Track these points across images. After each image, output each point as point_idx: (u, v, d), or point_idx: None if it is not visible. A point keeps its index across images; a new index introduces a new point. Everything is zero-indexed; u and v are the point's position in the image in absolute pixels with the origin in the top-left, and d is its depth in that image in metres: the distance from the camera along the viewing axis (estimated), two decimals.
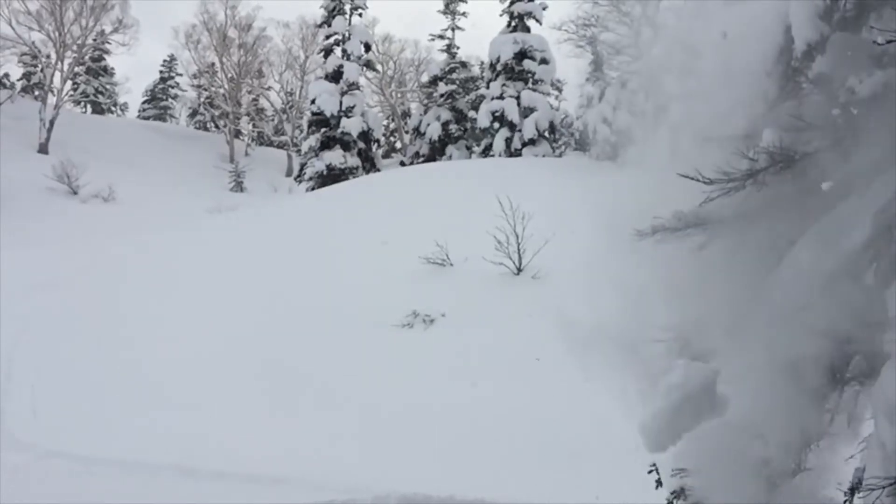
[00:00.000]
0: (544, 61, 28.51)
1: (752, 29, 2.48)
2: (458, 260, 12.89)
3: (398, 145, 48.62)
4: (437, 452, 7.83)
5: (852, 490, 2.47)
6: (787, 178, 2.35)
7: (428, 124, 34.70)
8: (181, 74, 54.29)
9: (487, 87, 29.32)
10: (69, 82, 41.76)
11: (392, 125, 49.94)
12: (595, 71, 25.68)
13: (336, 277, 13.15)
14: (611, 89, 21.70)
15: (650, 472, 3.21)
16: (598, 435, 7.61)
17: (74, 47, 39.25)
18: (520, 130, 27.39)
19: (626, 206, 2.75)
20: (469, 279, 12.44)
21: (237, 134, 49.69)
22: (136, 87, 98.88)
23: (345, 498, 6.89)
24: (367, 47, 33.07)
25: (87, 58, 45.41)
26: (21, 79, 47.37)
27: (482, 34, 50.35)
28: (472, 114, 33.21)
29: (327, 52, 32.64)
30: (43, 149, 34.46)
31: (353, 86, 31.31)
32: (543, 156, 26.41)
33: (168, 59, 54.50)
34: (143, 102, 56.14)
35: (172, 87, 56.13)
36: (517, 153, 26.98)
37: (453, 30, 37.44)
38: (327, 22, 32.42)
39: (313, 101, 31.26)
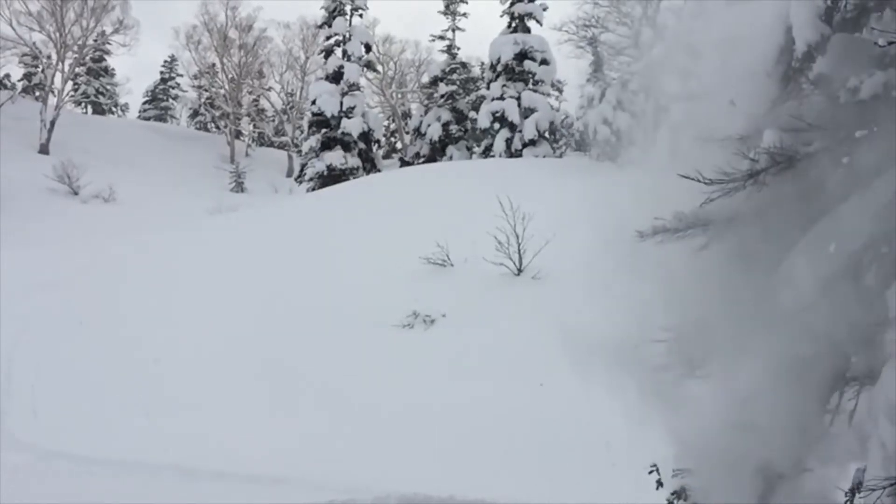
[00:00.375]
0: (545, 62, 28.51)
1: (753, 30, 2.48)
2: (459, 260, 12.90)
3: (399, 146, 48.61)
4: (437, 452, 7.83)
5: (853, 490, 2.47)
6: (788, 178, 2.35)
7: (428, 125, 34.70)
8: (182, 75, 54.36)
9: (488, 88, 29.32)
10: (70, 83, 41.80)
11: (392, 126, 49.95)
12: (595, 71, 25.68)
13: (336, 278, 13.15)
14: (611, 90, 21.69)
15: (651, 472, 3.22)
16: (598, 435, 7.61)
17: (75, 48, 39.27)
18: (520, 131, 27.39)
19: (627, 207, 2.75)
20: (469, 280, 12.44)
21: (238, 134, 49.70)
22: (136, 87, 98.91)
23: (345, 498, 6.89)
24: (368, 48, 33.08)
25: (87, 58, 45.47)
26: (22, 79, 47.43)
27: (483, 35, 50.36)
28: (472, 114, 33.22)
29: (328, 52, 32.66)
30: (44, 149, 34.47)
31: (354, 86, 31.32)
32: (544, 156, 26.40)
33: (169, 59, 54.53)
34: (144, 103, 56.16)
35: (173, 88, 56.14)
36: (517, 154, 26.98)
37: (454, 30, 37.46)
38: (328, 23, 32.43)
39: (314, 102, 31.27)
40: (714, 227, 2.46)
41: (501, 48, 28.49)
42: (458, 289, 12.15)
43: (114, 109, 53.58)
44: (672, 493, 2.84)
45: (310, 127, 31.63)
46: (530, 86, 28.29)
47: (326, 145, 30.70)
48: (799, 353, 2.31)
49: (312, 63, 48.09)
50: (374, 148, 33.33)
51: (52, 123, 35.11)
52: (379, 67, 42.92)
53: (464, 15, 37.36)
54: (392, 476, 7.30)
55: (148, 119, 53.76)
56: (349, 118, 30.52)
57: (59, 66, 38.64)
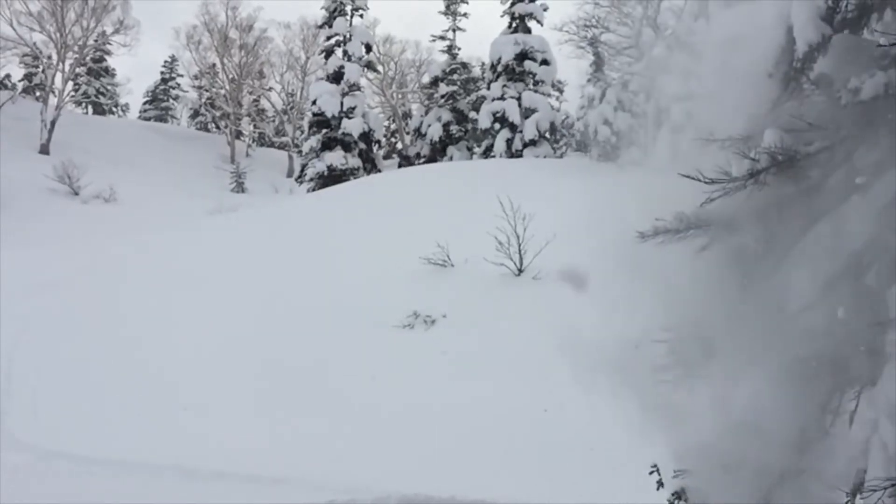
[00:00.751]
0: (545, 62, 28.52)
1: (754, 30, 2.48)
2: (459, 261, 12.89)
3: (399, 146, 48.63)
4: (437, 453, 7.83)
5: (854, 492, 2.47)
6: (789, 178, 2.35)
7: (429, 125, 34.72)
8: (182, 75, 54.41)
9: (488, 88, 29.33)
10: (70, 83, 41.80)
11: (393, 126, 49.96)
12: (596, 72, 25.68)
13: (337, 278, 13.15)
14: (612, 90, 21.70)
15: (651, 472, 3.21)
16: (598, 435, 7.60)
17: (76, 48, 39.29)
18: (521, 131, 27.40)
19: (628, 208, 2.75)
20: (470, 280, 12.44)
21: (238, 135, 49.72)
22: (137, 87, 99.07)
23: (345, 498, 6.89)
24: (368, 48, 33.09)
25: (88, 59, 45.49)
26: (22, 79, 47.48)
27: (483, 35, 50.40)
28: (472, 115, 33.24)
29: (328, 53, 32.67)
30: (44, 149, 34.49)
31: (354, 87, 31.33)
32: (544, 157, 26.41)
33: (169, 59, 54.58)
34: (144, 103, 56.20)
35: (173, 88, 56.18)
36: (518, 154, 26.99)
37: (454, 31, 37.49)
38: (328, 23, 32.44)
39: (314, 102, 31.28)
40: (715, 228, 2.46)
41: (502, 48, 28.50)
42: (458, 289, 12.15)
43: (114, 110, 53.63)
44: (672, 494, 2.84)
45: (310, 127, 31.64)
46: (531, 86, 28.30)
47: (327, 145, 30.71)
48: (799, 353, 2.31)
49: (313, 63, 48.16)
50: (375, 148, 33.34)
51: (53, 124, 35.12)
52: (379, 68, 42.96)
53: (464, 15, 37.42)
54: (392, 476, 7.30)
55: (148, 119, 53.80)
56: (350, 118, 30.53)
57: (60, 67, 38.69)
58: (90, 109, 50.87)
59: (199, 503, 6.86)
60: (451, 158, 32.82)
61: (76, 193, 29.48)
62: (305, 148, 31.78)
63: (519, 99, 27.76)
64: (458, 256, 12.89)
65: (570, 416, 8.15)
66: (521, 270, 12.36)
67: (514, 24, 29.28)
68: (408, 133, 40.98)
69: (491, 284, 12.21)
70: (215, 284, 13.69)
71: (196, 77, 51.94)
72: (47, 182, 29.02)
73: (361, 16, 33.15)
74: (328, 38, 32.71)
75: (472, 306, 11.57)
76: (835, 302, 2.28)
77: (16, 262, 15.94)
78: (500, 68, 28.55)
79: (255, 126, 54.65)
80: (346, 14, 32.25)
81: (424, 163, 32.39)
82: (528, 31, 29.25)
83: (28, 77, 47.01)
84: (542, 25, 29.53)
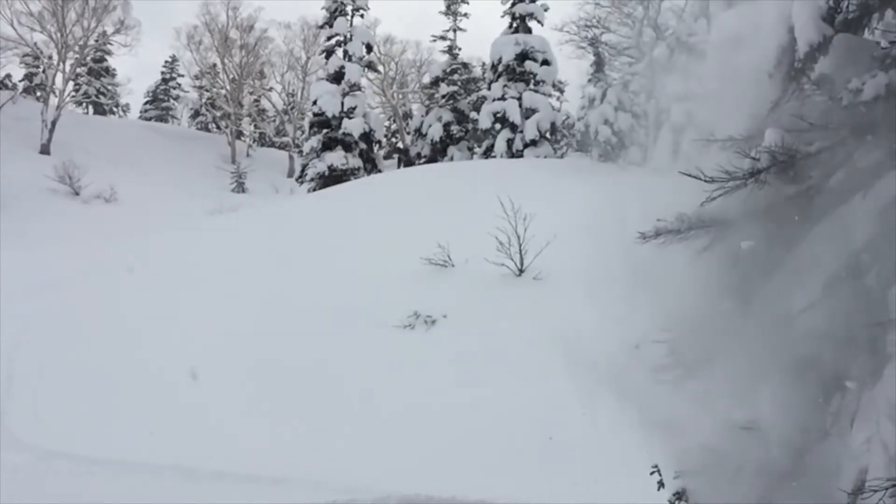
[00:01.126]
0: (546, 62, 28.51)
1: (755, 30, 2.48)
2: (460, 261, 12.89)
3: (400, 146, 48.62)
4: (438, 453, 7.83)
5: (855, 492, 2.46)
6: (789, 177, 2.35)
7: (429, 125, 34.72)
8: (183, 75, 54.45)
9: (489, 89, 29.32)
10: (71, 83, 41.78)
11: (393, 126, 49.97)
12: (597, 72, 25.70)
13: (337, 278, 13.14)
14: (612, 90, 21.68)
15: (652, 473, 3.21)
16: (598, 436, 7.60)
17: (76, 48, 39.28)
18: (521, 131, 27.39)
19: (629, 208, 2.75)
20: (471, 280, 12.43)
21: (239, 135, 49.73)
22: (137, 87, 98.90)
23: (345, 498, 6.89)
24: (369, 48, 33.09)
25: (88, 59, 45.49)
26: (23, 80, 47.52)
27: (484, 35, 50.42)
28: (473, 115, 33.24)
29: (329, 53, 32.67)
30: (45, 149, 34.49)
31: (355, 87, 31.33)
32: (545, 157, 26.40)
33: (170, 59, 54.61)
34: (145, 103, 56.24)
35: (174, 88, 56.22)
36: (519, 154, 26.98)
37: (455, 31, 37.50)
38: (329, 23, 32.44)
39: (315, 102, 31.28)
40: (716, 229, 2.46)
41: (503, 48, 28.49)
42: (459, 289, 12.14)
43: (115, 110, 53.66)
44: (673, 495, 2.83)
45: (311, 127, 31.64)
46: (531, 86, 28.28)
47: (327, 146, 30.70)
48: (801, 353, 2.30)
49: (313, 63, 48.20)
50: (376, 148, 33.34)
51: (54, 124, 35.13)
52: (380, 68, 42.97)
53: (465, 15, 37.43)
54: (393, 476, 7.30)
55: (149, 119, 53.83)
56: (350, 118, 30.53)
57: (61, 67, 38.68)
58: (91, 109, 50.90)
59: (199, 503, 6.86)
60: (451, 158, 32.81)
61: (77, 193, 29.49)
62: (306, 148, 31.78)
63: (520, 99, 27.76)
64: (458, 256, 12.89)
65: (571, 417, 8.14)
66: (521, 271, 12.36)
67: (514, 25, 29.26)
68: (408, 133, 40.98)
69: (492, 284, 12.21)
70: (215, 284, 13.69)
71: (197, 77, 51.98)
72: (48, 182, 29.02)
73: (362, 16, 33.17)
74: (329, 39, 32.70)
75: (473, 306, 11.56)
76: (836, 302, 2.28)
77: (16, 263, 15.95)
78: (500, 68, 28.53)
79: (255, 126, 54.68)
80: (346, 14, 32.25)
81: (425, 163, 32.39)
82: (529, 31, 29.23)
83: (29, 77, 47.05)
84: (542, 26, 29.55)
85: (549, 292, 11.43)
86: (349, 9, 32.24)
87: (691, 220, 2.45)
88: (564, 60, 31.90)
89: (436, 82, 36.54)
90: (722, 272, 2.51)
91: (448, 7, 37.06)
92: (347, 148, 30.65)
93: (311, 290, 12.84)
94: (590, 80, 24.73)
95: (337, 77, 31.32)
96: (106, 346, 11.33)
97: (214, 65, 50.01)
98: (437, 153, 33.92)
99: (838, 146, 2.30)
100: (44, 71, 40.89)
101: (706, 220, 2.44)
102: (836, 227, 2.32)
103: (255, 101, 53.18)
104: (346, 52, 31.90)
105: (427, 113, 36.36)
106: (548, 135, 27.75)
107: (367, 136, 31.22)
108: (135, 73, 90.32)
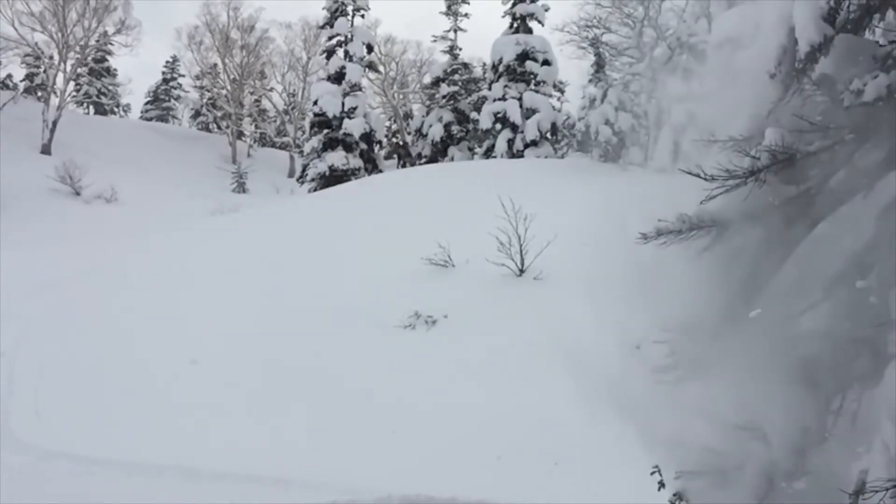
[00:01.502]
0: (546, 62, 28.51)
1: (755, 30, 2.48)
2: (461, 261, 12.89)
3: (400, 142, 48.63)
4: (439, 453, 7.83)
5: (857, 493, 2.46)
6: (790, 178, 2.35)
7: (430, 125, 34.73)
8: (184, 75, 54.52)
9: (489, 89, 29.33)
10: (72, 83, 41.80)
11: (394, 126, 50.00)
12: (597, 72, 25.71)
13: (338, 278, 13.15)
14: (613, 91, 21.69)
15: (652, 473, 3.21)
16: (599, 436, 7.60)
17: (77, 48, 39.29)
18: (522, 132, 27.39)
19: (629, 209, 2.75)
20: (471, 280, 12.43)
21: (239, 135, 49.76)
22: (138, 88, 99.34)
23: (346, 499, 6.89)
24: (370, 48, 33.10)
25: (89, 59, 45.53)
26: (24, 80, 47.55)
27: (484, 36, 50.47)
28: (474, 115, 33.24)
29: (329, 53, 32.68)
30: (46, 150, 34.51)
31: (356, 87, 31.34)
32: (545, 157, 26.40)
33: (171, 60, 54.70)
34: (146, 103, 56.30)
35: (175, 89, 56.27)
36: (519, 154, 26.99)
37: (455, 31, 37.52)
38: (329, 23, 32.45)
39: (315, 103, 31.29)
40: (717, 229, 2.46)
41: (503, 49, 28.50)
42: (459, 289, 12.14)
43: (116, 110, 53.71)
44: (674, 495, 2.83)
45: (311, 127, 31.65)
46: (532, 86, 28.29)
47: (328, 146, 30.71)
48: (802, 353, 2.30)
49: (314, 63, 48.22)
50: (376, 148, 33.35)
51: (54, 124, 35.14)
52: (381, 68, 42.99)
53: (465, 16, 37.46)
54: (393, 476, 7.30)
55: (150, 119, 53.88)
56: (351, 119, 30.53)
57: (61, 67, 38.68)
58: (92, 110, 50.94)
59: (199, 503, 6.86)
60: (452, 159, 32.82)
61: (78, 194, 29.50)
62: (307, 148, 31.79)
63: (520, 99, 27.76)
64: (459, 257, 12.89)
65: (571, 417, 8.14)
66: (522, 271, 12.36)
67: (515, 25, 29.27)
68: (409, 133, 40.99)
69: (492, 285, 12.21)
70: (216, 284, 13.69)
71: (197, 77, 52.03)
72: (49, 182, 29.03)
73: (363, 16, 33.19)
74: (329, 39, 32.72)
75: (474, 306, 11.56)
76: (837, 302, 2.28)
77: (17, 263, 15.95)
78: (501, 69, 28.54)
79: (256, 126, 54.71)
80: (347, 14, 32.27)
81: (426, 163, 32.39)
82: (530, 31, 29.24)
83: (30, 77, 47.08)
84: (543, 26, 29.56)
85: (549, 292, 11.43)
86: (350, 9, 32.26)
87: (692, 221, 2.45)
88: (565, 61, 31.99)
89: (436, 82, 36.54)
90: (723, 273, 2.51)
91: (449, 7, 37.08)
92: (348, 148, 30.65)
93: (312, 290, 12.84)
94: (590, 81, 24.75)
95: (338, 77, 31.33)
96: (106, 346, 11.33)
97: (215, 65, 50.05)
98: (438, 153, 33.93)
99: (839, 147, 2.30)
100: (45, 71, 40.91)
101: (707, 220, 2.44)
102: (836, 228, 2.32)
103: (256, 101, 53.22)
104: (346, 53, 31.91)
105: (428, 113, 36.37)
106: (548, 135, 27.75)
107: (368, 137, 31.23)
108: (136, 73, 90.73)
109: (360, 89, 32.14)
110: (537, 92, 28.18)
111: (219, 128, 51.47)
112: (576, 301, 10.61)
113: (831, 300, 2.29)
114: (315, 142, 30.89)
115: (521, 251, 12.27)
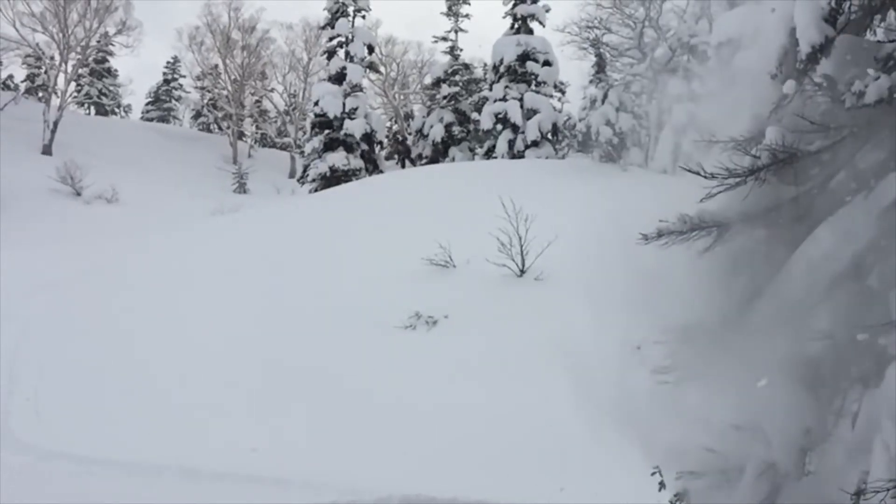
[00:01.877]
0: (547, 63, 28.50)
1: (756, 31, 2.48)
2: (461, 261, 12.88)
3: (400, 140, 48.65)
4: (439, 453, 7.83)
5: (857, 493, 2.46)
6: (790, 177, 2.35)
7: (431, 126, 34.72)
8: (185, 76, 54.52)
9: (490, 89, 29.31)
10: (73, 84, 41.82)
11: (395, 127, 50.00)
12: (598, 73, 25.72)
13: (338, 279, 13.14)
14: (614, 91, 21.66)
15: (653, 474, 3.21)
16: (599, 436, 7.60)
17: (78, 49, 39.32)
18: (523, 132, 27.38)
19: (630, 209, 2.75)
20: (472, 280, 12.42)
21: (240, 135, 49.77)
22: (139, 88, 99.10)
23: (347, 499, 6.89)
24: (371, 49, 33.09)
25: (90, 59, 45.55)
26: (25, 80, 47.60)
27: (485, 36, 50.49)
28: (475, 116, 33.23)
29: (330, 53, 32.67)
30: (46, 150, 34.52)
31: (357, 87, 31.33)
32: (546, 158, 26.39)
33: (171, 60, 54.70)
34: (147, 104, 56.31)
35: (176, 89, 56.28)
36: (520, 155, 26.97)
37: (456, 32, 37.49)
38: (330, 24, 32.44)
39: (316, 103, 31.28)
40: (718, 230, 2.46)
41: (504, 49, 28.48)
42: (460, 290, 12.13)
43: (116, 110, 53.75)
44: (675, 495, 2.83)
45: (312, 128, 31.65)
46: (533, 87, 28.27)
47: (329, 146, 30.70)
48: (803, 353, 2.30)
49: (315, 64, 48.24)
50: (377, 149, 33.35)
51: (55, 124, 35.15)
52: (381, 68, 42.99)
53: (466, 16, 37.42)
54: (394, 477, 7.30)
55: (151, 120, 53.90)
56: (352, 119, 30.53)
57: (62, 67, 38.71)
58: (93, 110, 50.97)
59: (198, 503, 6.86)
60: (453, 159, 32.81)
61: (78, 194, 29.50)
62: (307, 149, 31.78)
63: (521, 100, 27.75)
64: (459, 257, 12.89)
65: (571, 417, 8.14)
66: (523, 271, 12.35)
67: (516, 26, 29.26)
68: (410, 134, 40.98)
69: (493, 285, 12.20)
70: (216, 285, 13.69)
71: (198, 78, 52.03)
72: (50, 182, 29.03)
73: (364, 17, 33.16)
74: (330, 39, 32.71)
75: (475, 307, 11.56)
76: (838, 303, 2.28)
77: (17, 263, 15.96)
78: (502, 69, 28.53)
79: (257, 127, 54.72)
80: (348, 15, 32.26)
81: (426, 164, 32.39)
82: (531, 32, 29.22)
83: (30, 78, 47.13)
84: (544, 26, 29.53)
85: (550, 293, 11.42)
86: (351, 10, 32.25)
87: (693, 222, 2.45)
88: (566, 61, 31.97)
89: (437, 83, 36.53)
90: (723, 274, 2.51)
91: (449, 8, 37.06)
92: (349, 149, 30.65)
93: (313, 290, 12.84)
94: (591, 81, 24.77)
95: (338, 78, 31.33)
96: (106, 347, 11.33)
97: (216, 66, 50.06)
98: (439, 154, 33.92)
99: (840, 147, 2.30)
100: (46, 72, 40.92)
101: (708, 221, 2.44)
102: (837, 228, 2.32)
103: (257, 101, 53.23)
104: (347, 53, 31.91)
105: (428, 114, 36.36)
106: (549, 135, 27.73)
107: (369, 137, 31.23)
108: (136, 73, 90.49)
109: (361, 90, 32.13)
110: (538, 93, 28.16)
111: (220, 128, 51.47)
112: (576, 302, 10.64)
113: (833, 300, 2.28)
114: (316, 142, 30.88)
115: (521, 252, 12.26)
